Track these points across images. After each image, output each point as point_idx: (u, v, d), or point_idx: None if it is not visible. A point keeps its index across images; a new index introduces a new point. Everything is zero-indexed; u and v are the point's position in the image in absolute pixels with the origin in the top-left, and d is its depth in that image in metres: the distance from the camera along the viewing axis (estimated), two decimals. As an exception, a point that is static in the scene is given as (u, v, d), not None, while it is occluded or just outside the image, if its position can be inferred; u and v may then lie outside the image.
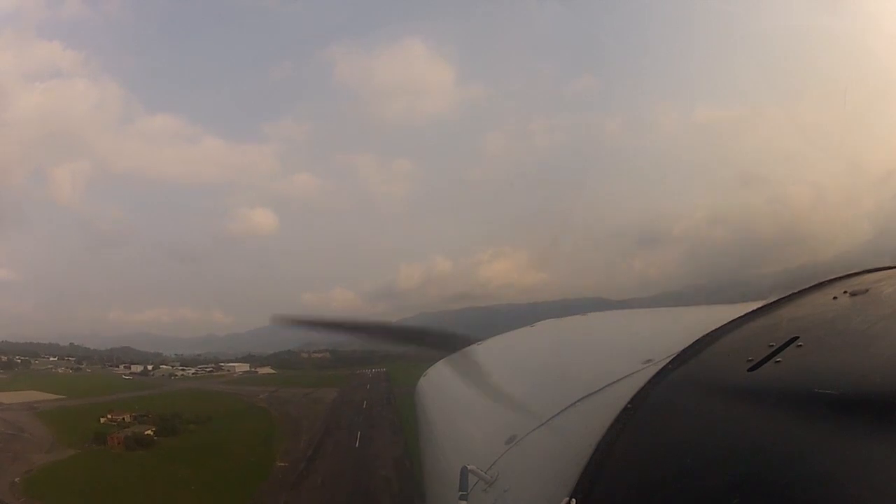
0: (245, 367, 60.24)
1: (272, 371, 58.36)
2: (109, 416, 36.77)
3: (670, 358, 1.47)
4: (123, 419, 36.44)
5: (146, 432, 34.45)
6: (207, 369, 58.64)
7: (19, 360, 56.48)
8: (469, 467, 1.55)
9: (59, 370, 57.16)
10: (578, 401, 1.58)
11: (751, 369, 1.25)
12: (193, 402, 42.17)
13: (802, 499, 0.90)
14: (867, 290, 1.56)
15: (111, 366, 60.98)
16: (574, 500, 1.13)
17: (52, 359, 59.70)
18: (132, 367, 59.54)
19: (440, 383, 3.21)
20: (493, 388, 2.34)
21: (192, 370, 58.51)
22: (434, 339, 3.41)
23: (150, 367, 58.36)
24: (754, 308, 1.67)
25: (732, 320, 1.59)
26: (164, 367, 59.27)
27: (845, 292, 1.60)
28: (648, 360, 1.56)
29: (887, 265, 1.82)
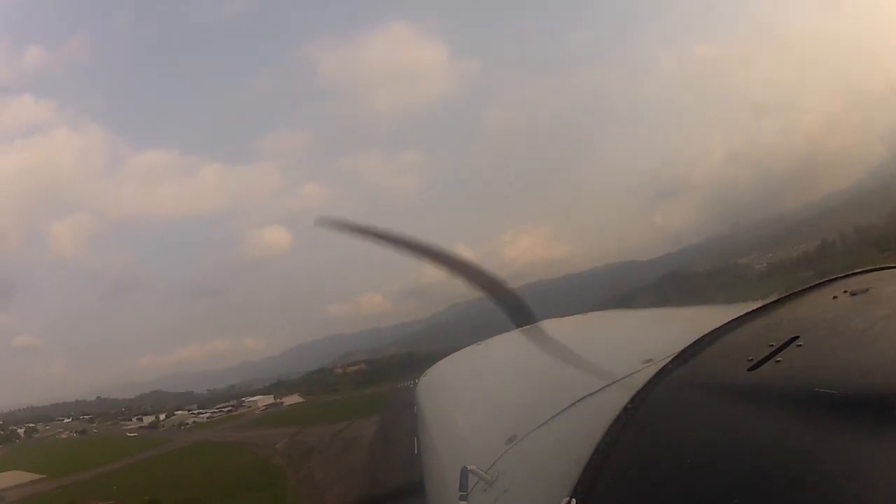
0: (269, 399, 56.71)
1: (300, 399, 54.54)
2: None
3: (670, 358, 1.46)
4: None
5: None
6: (227, 409, 56.21)
7: (21, 431, 54.77)
8: (469, 467, 1.55)
9: (64, 435, 55.34)
10: (578, 401, 1.58)
11: (751, 369, 1.25)
12: (194, 464, 36.26)
13: (802, 499, 0.89)
14: (867, 290, 1.56)
15: (124, 419, 60.02)
16: (574, 500, 1.12)
17: (65, 420, 59.12)
18: (145, 418, 58.40)
19: (440, 383, 3.24)
20: (493, 388, 2.36)
21: (208, 413, 56.22)
22: (507, 300, 3.22)
23: (163, 417, 57.13)
24: (754, 308, 1.67)
25: (732, 320, 1.58)
26: (179, 412, 57.87)
27: (845, 292, 1.60)
28: (648, 360, 1.56)
29: (887, 265, 1.82)
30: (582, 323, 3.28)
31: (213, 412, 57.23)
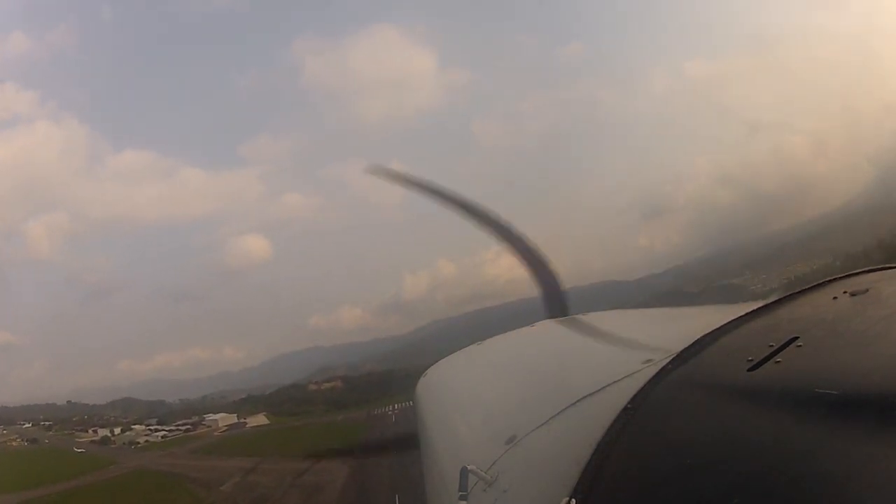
0: (231, 418, 52.47)
1: (265, 421, 50.46)
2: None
3: (670, 358, 1.47)
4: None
5: None
6: (185, 427, 52.77)
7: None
8: (469, 467, 1.54)
9: (15, 443, 52.29)
10: (578, 401, 1.58)
11: (751, 369, 1.25)
12: (122, 501, 31.86)
13: (802, 499, 0.89)
14: (867, 290, 1.57)
15: (82, 430, 56.06)
16: (574, 500, 1.11)
17: (25, 425, 55.12)
18: (100, 431, 54.49)
19: (440, 383, 3.21)
20: (493, 388, 2.34)
21: (163, 433, 52.23)
22: (550, 286, 3.02)
23: (118, 431, 53.29)
24: (754, 308, 1.67)
25: (732, 320, 1.59)
26: (137, 426, 54.13)
27: (845, 292, 1.60)
28: (648, 360, 1.56)
29: (887, 265, 1.82)
30: (582, 323, 3.27)
31: (171, 430, 53.44)
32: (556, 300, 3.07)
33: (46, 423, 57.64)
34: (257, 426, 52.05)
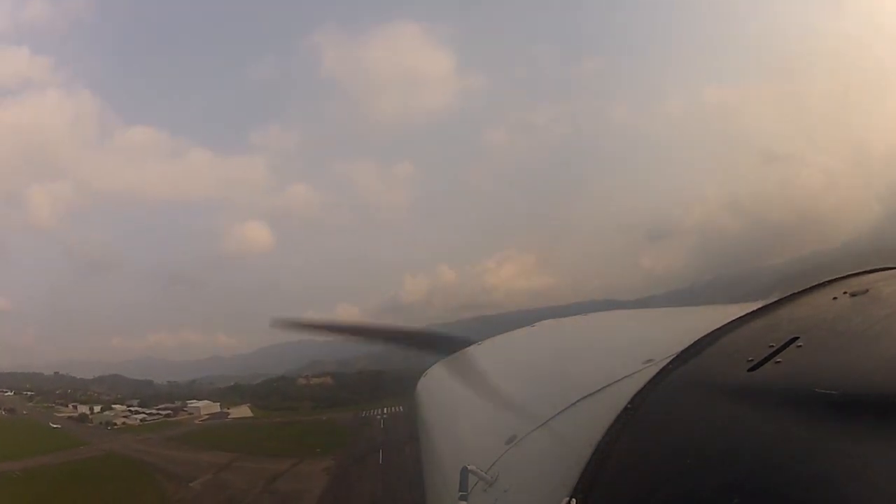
0: (214, 407, 50.75)
1: (249, 413, 48.55)
2: None
3: (670, 358, 1.47)
4: None
5: None
6: (165, 412, 51.29)
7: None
8: (469, 467, 1.54)
9: None
10: (578, 401, 1.58)
11: (751, 369, 1.25)
12: (87, 485, 29.57)
13: (802, 499, 0.89)
14: (867, 291, 1.57)
15: (62, 403, 55.15)
16: (574, 500, 1.11)
17: (7, 393, 54.22)
18: (80, 407, 53.56)
19: (440, 383, 3.19)
20: (493, 388, 2.35)
21: (142, 416, 50.09)
22: (434, 342, 3.25)
23: (97, 409, 52.32)
24: (754, 308, 1.67)
25: (732, 320, 1.59)
26: (117, 406, 53.12)
27: (845, 293, 1.61)
28: (648, 360, 1.56)
29: (887, 265, 1.83)
30: (582, 323, 3.27)
31: (151, 413, 52.40)
32: (452, 346, 3.13)
33: (29, 392, 56.79)
34: (240, 418, 50.80)
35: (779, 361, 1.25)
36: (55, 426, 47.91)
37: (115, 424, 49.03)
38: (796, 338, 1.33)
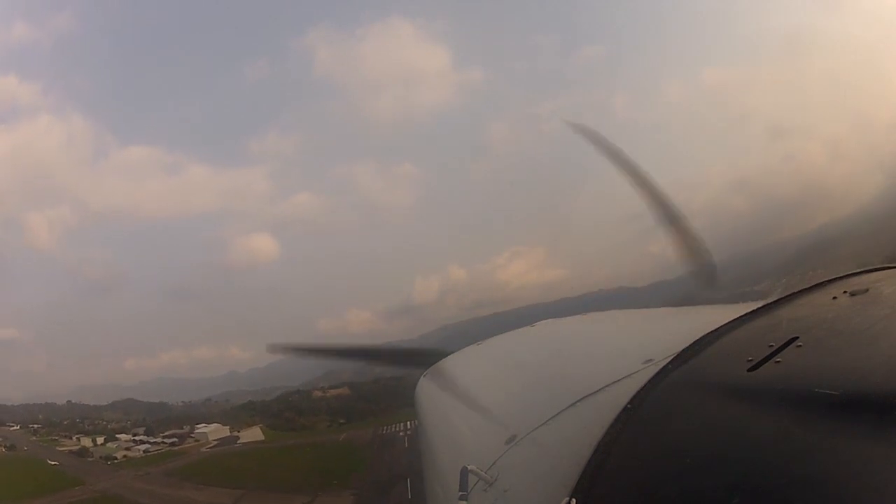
0: (224, 431, 47.82)
1: (260, 436, 45.57)
2: None
3: (670, 358, 1.47)
4: None
5: None
6: (171, 440, 49.18)
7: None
8: (469, 467, 1.54)
9: None
10: (578, 401, 1.58)
11: (751, 369, 1.26)
12: None
13: (802, 499, 0.90)
14: (867, 290, 1.58)
15: (65, 436, 53.50)
16: (574, 500, 1.11)
17: (12, 428, 52.71)
18: (83, 439, 52.14)
19: (440, 383, 3.17)
20: (493, 387, 2.34)
21: (146, 446, 47.60)
22: (414, 358, 3.27)
23: (101, 441, 50.93)
24: (754, 308, 1.68)
25: (732, 320, 1.60)
26: (122, 436, 51.58)
27: (845, 292, 1.61)
28: (648, 360, 1.57)
29: (887, 265, 1.83)
30: (582, 323, 3.29)
31: (155, 442, 50.93)
32: (432, 359, 3.18)
33: (35, 426, 55.39)
34: (250, 442, 49.41)
35: (778, 361, 1.25)
36: (53, 463, 45.72)
37: (115, 459, 47.38)
38: (796, 338, 1.33)
